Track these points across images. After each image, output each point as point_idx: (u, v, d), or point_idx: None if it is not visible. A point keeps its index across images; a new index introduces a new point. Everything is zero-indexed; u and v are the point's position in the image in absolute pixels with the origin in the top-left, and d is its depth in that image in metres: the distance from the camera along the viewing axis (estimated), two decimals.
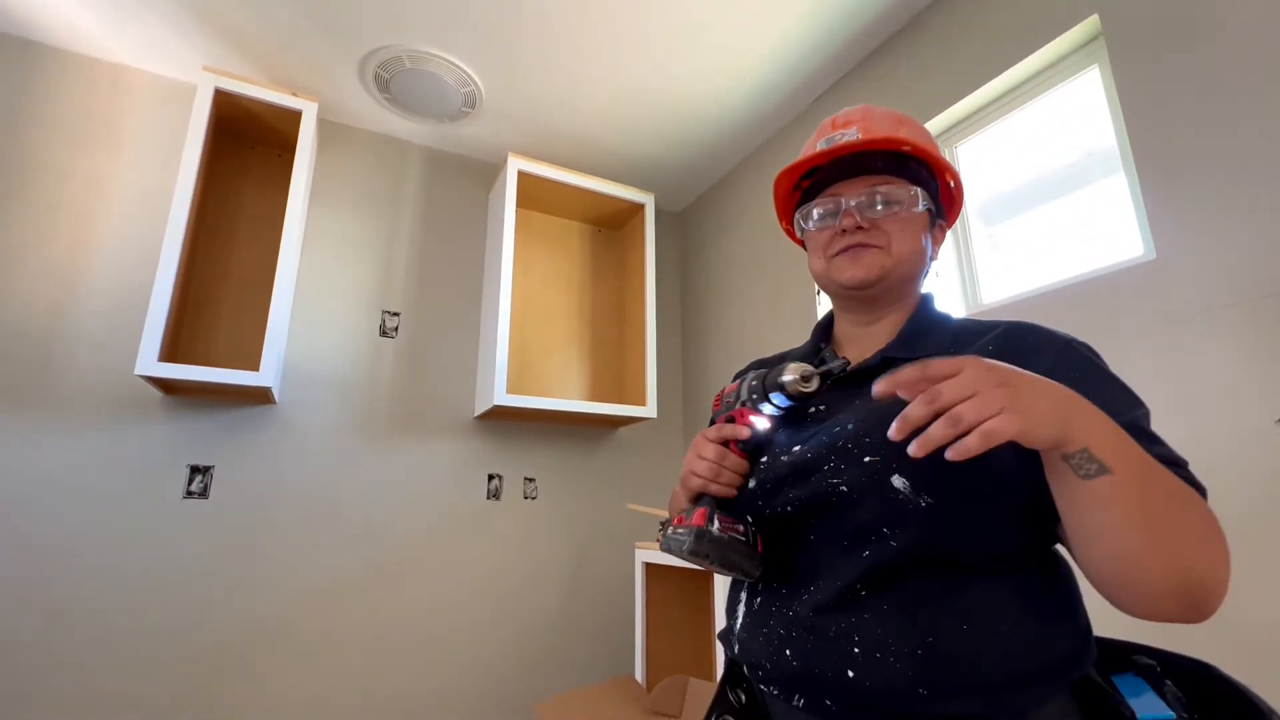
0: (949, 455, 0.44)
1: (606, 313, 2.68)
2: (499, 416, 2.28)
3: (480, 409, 2.22)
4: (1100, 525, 0.46)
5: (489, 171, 2.59)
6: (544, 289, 2.57)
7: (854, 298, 0.73)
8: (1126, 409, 0.55)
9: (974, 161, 1.77)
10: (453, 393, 2.31)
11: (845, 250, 0.70)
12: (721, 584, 1.62)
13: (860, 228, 0.69)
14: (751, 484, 0.65)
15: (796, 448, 0.63)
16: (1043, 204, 1.61)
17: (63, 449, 1.74)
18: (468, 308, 2.42)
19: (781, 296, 2.26)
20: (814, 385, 0.61)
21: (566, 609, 2.29)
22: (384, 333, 2.25)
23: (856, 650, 0.52)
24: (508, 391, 2.21)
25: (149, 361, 1.61)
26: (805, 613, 0.57)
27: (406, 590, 2.06)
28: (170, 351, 1.76)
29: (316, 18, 1.84)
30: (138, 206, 1.95)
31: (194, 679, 1.75)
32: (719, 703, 0.64)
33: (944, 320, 0.72)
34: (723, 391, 0.69)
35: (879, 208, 0.69)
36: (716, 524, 0.60)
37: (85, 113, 1.95)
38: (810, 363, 0.69)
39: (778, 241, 2.32)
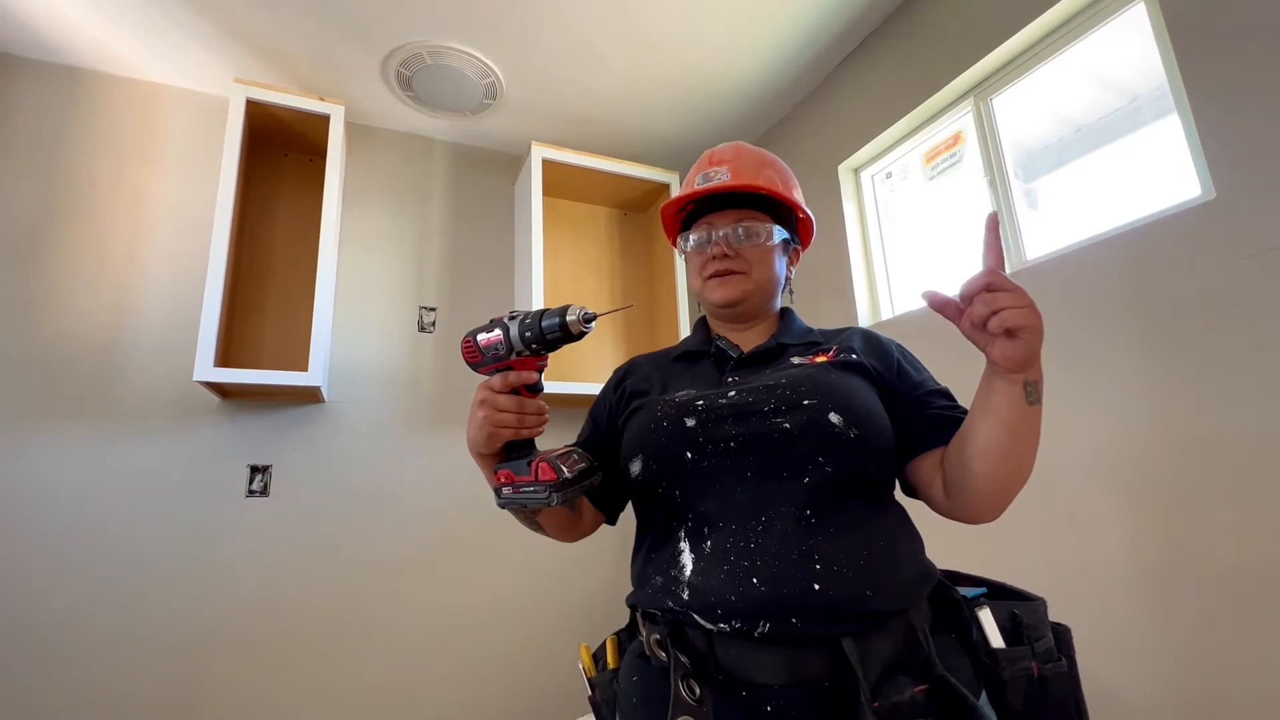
0: (991, 325, 0.59)
1: (637, 295, 2.68)
2: None
3: None
4: (1019, 443, 0.65)
5: (513, 162, 2.60)
6: (574, 275, 2.58)
7: (721, 314, 0.88)
8: (934, 381, 0.80)
9: (1010, 113, 1.71)
10: None
11: (715, 274, 0.85)
12: None
13: (726, 255, 0.84)
14: (690, 422, 0.72)
15: (732, 393, 0.74)
16: (1086, 154, 1.54)
17: (131, 455, 1.83)
18: (501, 298, 2.45)
19: (810, 266, 2.23)
20: (592, 327, 0.67)
21: (617, 584, 2.32)
22: (422, 328, 2.30)
23: (818, 567, 0.63)
24: (545, 379, 2.22)
25: (206, 367, 1.67)
26: (768, 543, 0.64)
27: (461, 575, 2.12)
28: (223, 357, 1.83)
29: (338, 21, 1.86)
30: (180, 218, 2.02)
31: (267, 668, 1.84)
32: (675, 669, 0.63)
33: (807, 326, 0.90)
34: (476, 342, 0.70)
35: (742, 238, 0.84)
36: (564, 470, 0.67)
37: (125, 132, 2.02)
38: (707, 350, 0.87)
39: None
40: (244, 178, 1.97)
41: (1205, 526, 1.15)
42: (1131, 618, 1.24)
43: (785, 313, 0.91)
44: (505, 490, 0.70)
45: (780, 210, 0.88)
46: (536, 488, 0.67)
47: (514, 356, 0.69)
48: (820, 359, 0.77)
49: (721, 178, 0.85)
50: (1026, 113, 1.68)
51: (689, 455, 0.71)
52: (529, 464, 0.68)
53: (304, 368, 1.87)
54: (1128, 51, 1.44)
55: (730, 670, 0.63)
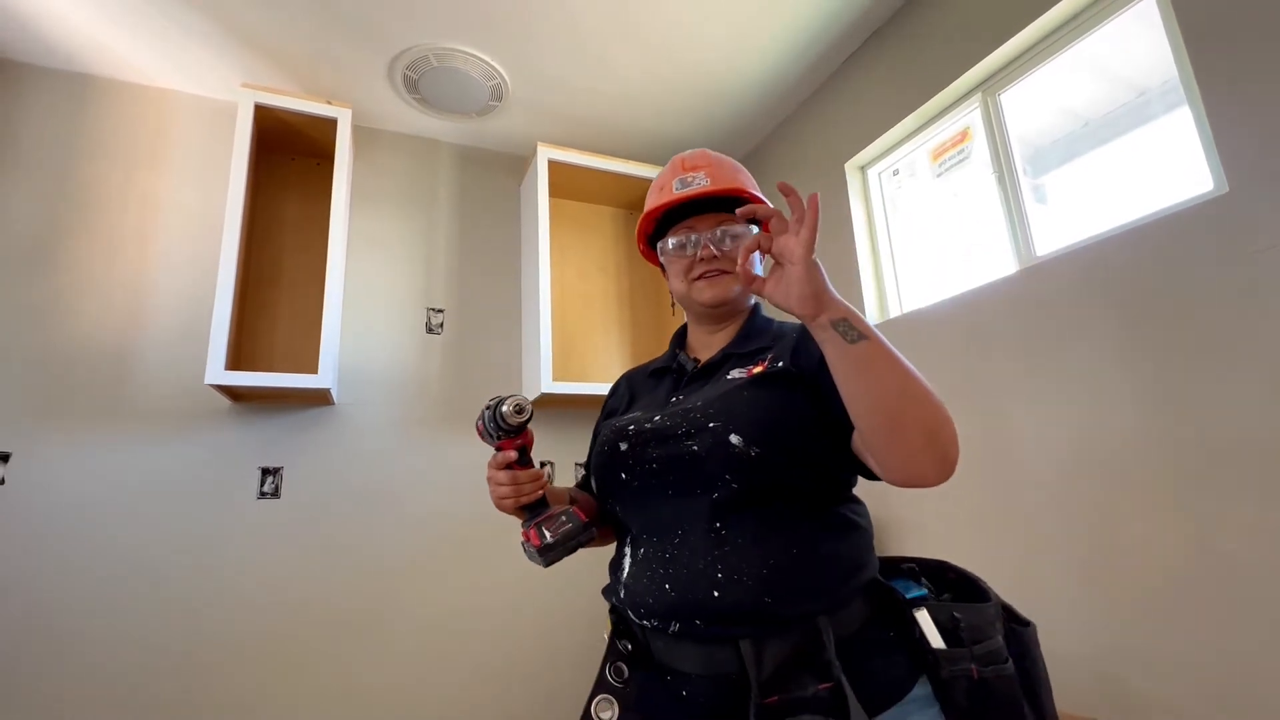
0: (772, 250, 0.67)
1: (643, 293, 2.69)
2: (547, 405, 2.31)
3: (528, 398, 2.25)
4: (868, 384, 0.63)
5: (519, 163, 2.61)
6: (581, 275, 2.59)
7: (709, 314, 0.90)
8: None
9: (1018, 109, 1.70)
10: (500, 383, 2.35)
11: (703, 276, 0.87)
12: None
13: (714, 256, 0.86)
14: (623, 446, 0.80)
15: (657, 417, 0.81)
16: (1095, 149, 1.54)
17: (143, 458, 1.84)
18: (508, 299, 2.45)
19: (817, 259, 2.22)
20: (526, 415, 0.76)
21: None
22: (430, 329, 2.31)
23: (720, 576, 0.69)
24: (553, 379, 2.24)
25: (217, 371, 1.69)
26: (682, 554, 0.72)
27: (471, 576, 2.13)
28: (234, 360, 1.84)
29: (344, 25, 1.87)
30: (190, 223, 2.04)
31: (278, 670, 1.85)
32: (610, 653, 0.76)
33: (768, 324, 0.91)
34: (478, 428, 0.82)
35: (727, 241, 0.87)
36: (547, 534, 0.76)
37: (136, 138, 2.03)
38: (669, 365, 0.93)
39: None
40: (252, 182, 1.98)
41: (1220, 523, 1.15)
42: (1153, 616, 1.24)
43: (753, 311, 0.93)
44: (524, 545, 0.81)
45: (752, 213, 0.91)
46: (530, 549, 0.78)
47: (496, 439, 0.79)
48: (757, 369, 0.80)
49: (700, 183, 0.87)
50: (1034, 108, 1.67)
51: (623, 476, 0.80)
52: (528, 525, 0.79)
53: (314, 370, 1.87)
54: (1136, 45, 1.43)
55: (658, 658, 0.74)
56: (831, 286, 0.65)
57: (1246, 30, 1.15)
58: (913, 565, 0.81)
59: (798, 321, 0.86)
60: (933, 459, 0.63)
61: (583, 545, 0.79)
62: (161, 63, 1.99)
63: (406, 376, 2.23)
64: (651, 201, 0.92)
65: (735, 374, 0.82)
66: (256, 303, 2.03)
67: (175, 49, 1.94)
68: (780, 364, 0.79)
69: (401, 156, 2.41)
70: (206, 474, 1.89)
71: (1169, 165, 1.35)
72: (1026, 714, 0.68)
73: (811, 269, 0.63)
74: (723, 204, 0.89)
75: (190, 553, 1.83)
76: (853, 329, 0.63)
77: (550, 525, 0.77)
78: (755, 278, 0.71)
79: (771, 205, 0.89)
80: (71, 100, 1.98)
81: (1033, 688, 0.71)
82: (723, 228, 0.88)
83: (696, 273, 0.88)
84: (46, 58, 1.94)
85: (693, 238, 0.88)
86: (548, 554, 0.76)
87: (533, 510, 0.80)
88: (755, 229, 0.90)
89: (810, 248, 0.64)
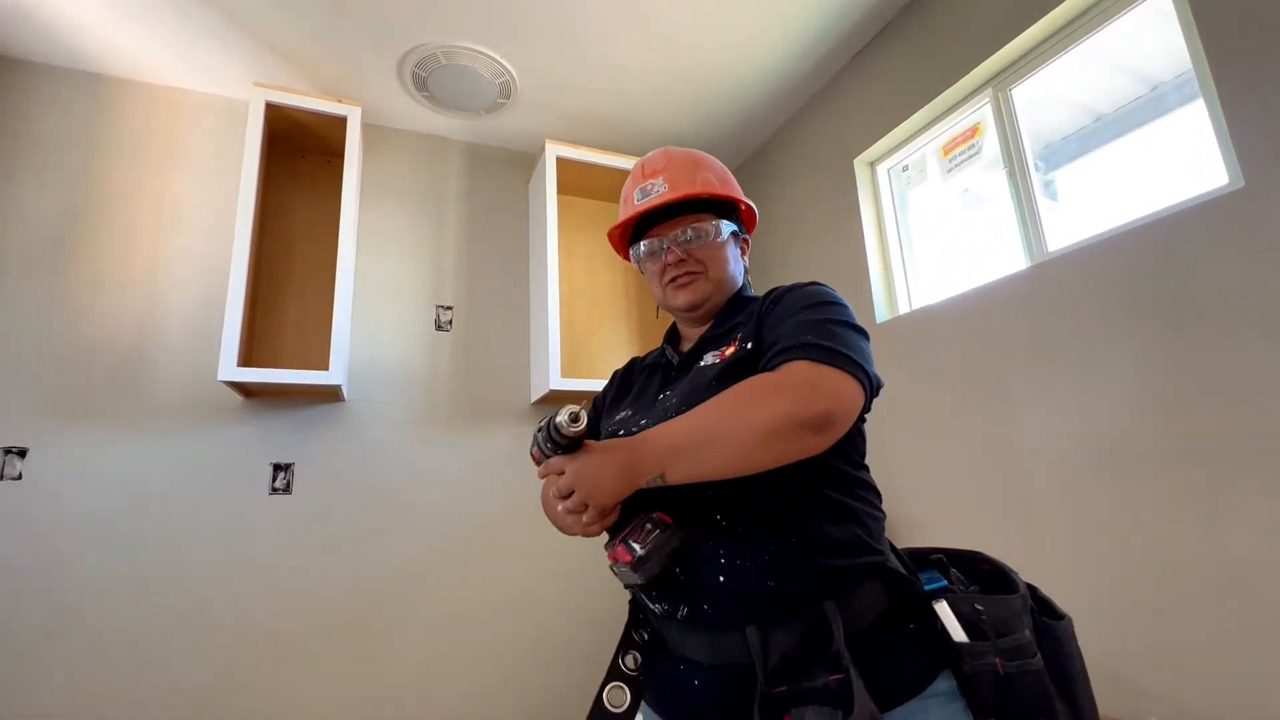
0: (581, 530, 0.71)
1: (650, 291, 2.68)
2: (556, 401, 2.32)
3: (536, 395, 2.27)
4: (711, 471, 0.66)
5: (527, 161, 2.61)
6: (589, 272, 2.59)
7: (688, 317, 0.91)
8: (808, 311, 0.75)
9: (1029, 104, 1.69)
10: (509, 380, 2.36)
11: (674, 280, 0.88)
12: None
13: (682, 259, 0.86)
14: None
15: (644, 421, 0.81)
16: (1108, 143, 1.52)
17: (159, 455, 1.86)
18: (517, 296, 2.46)
19: (826, 260, 2.22)
20: (582, 423, 0.68)
21: None
22: (439, 327, 2.32)
23: (724, 562, 0.70)
24: (562, 376, 2.24)
25: (230, 367, 1.70)
26: (687, 540, 0.72)
27: (481, 571, 2.14)
28: (246, 357, 1.86)
29: (354, 24, 1.88)
30: (202, 220, 2.06)
31: (289, 664, 1.87)
32: (625, 642, 0.77)
33: (749, 300, 0.89)
34: (533, 455, 0.75)
35: (693, 241, 0.87)
36: (637, 548, 0.71)
37: (149, 137, 2.05)
38: (659, 360, 0.93)
39: (818, 203, 2.27)
40: (264, 180, 1.99)
41: (1232, 521, 1.14)
42: (1162, 613, 1.23)
43: (736, 294, 0.92)
44: (613, 568, 0.74)
45: (722, 205, 0.90)
46: (624, 568, 0.72)
47: (550, 460, 0.73)
48: (729, 350, 0.80)
49: (659, 189, 0.87)
50: (1046, 103, 1.66)
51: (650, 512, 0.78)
52: (613, 544, 0.73)
53: (324, 367, 1.89)
54: (1149, 38, 1.42)
55: (673, 646, 0.75)
56: (630, 457, 0.67)
57: (1262, 21, 1.14)
58: (941, 556, 0.78)
59: (780, 286, 0.87)
60: (800, 441, 0.64)
61: (675, 550, 0.72)
62: (174, 62, 2.01)
63: (416, 373, 2.24)
64: (620, 215, 0.92)
65: (709, 358, 0.82)
66: (268, 300, 2.05)
67: (188, 48, 1.95)
68: (749, 345, 0.77)
69: (411, 154, 2.42)
70: (219, 469, 1.91)
71: (1183, 160, 1.34)
72: (1059, 710, 0.65)
73: (591, 497, 0.67)
74: (692, 204, 0.88)
75: (203, 547, 1.85)
76: (658, 478, 0.66)
77: (637, 537, 0.71)
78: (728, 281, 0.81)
79: (738, 194, 0.91)
80: (85, 100, 2.01)
81: (1067, 683, 0.68)
82: (691, 227, 0.87)
83: (668, 277, 0.88)
84: (61, 58, 1.96)
85: (662, 244, 0.88)
86: (643, 568, 0.70)
87: (613, 526, 0.74)
88: (725, 225, 0.89)
89: (567, 508, 0.68)
